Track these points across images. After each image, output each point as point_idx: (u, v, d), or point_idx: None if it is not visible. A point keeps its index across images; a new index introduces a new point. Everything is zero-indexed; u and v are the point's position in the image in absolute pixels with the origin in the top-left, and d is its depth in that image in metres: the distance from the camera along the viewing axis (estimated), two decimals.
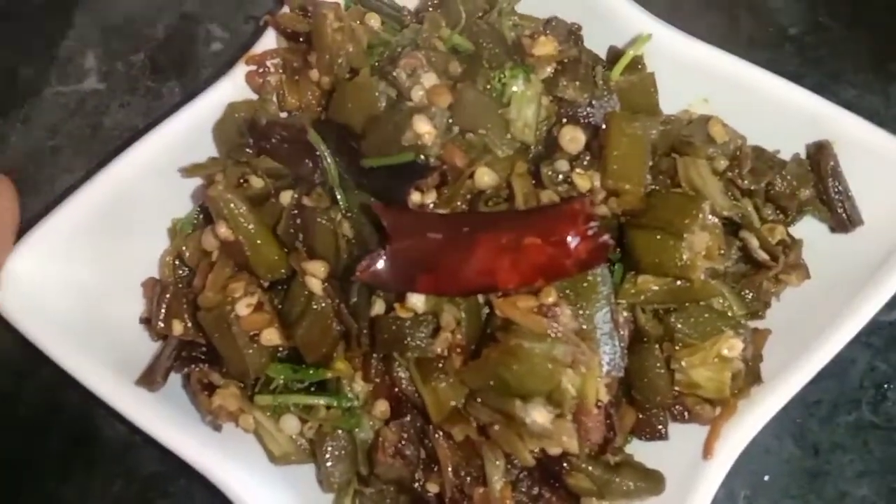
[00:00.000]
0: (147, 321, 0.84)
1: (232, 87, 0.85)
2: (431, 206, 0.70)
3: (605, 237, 0.65)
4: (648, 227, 0.71)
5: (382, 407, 0.73)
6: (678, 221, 0.69)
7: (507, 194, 0.72)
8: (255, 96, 0.86)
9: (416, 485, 0.74)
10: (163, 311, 0.78)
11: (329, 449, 0.74)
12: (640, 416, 0.75)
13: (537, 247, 0.64)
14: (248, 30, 1.04)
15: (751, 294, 0.77)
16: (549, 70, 0.78)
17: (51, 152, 1.01)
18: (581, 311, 0.67)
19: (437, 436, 0.71)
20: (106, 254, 0.84)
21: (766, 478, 0.84)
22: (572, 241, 0.64)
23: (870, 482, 0.85)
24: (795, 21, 1.00)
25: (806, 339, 0.76)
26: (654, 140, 0.77)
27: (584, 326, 0.66)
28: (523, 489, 0.72)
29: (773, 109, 0.81)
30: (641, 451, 0.75)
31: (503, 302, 0.65)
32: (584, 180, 0.71)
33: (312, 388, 0.77)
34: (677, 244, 0.69)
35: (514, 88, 0.74)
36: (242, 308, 0.73)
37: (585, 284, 0.68)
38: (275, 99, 0.85)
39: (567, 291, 0.67)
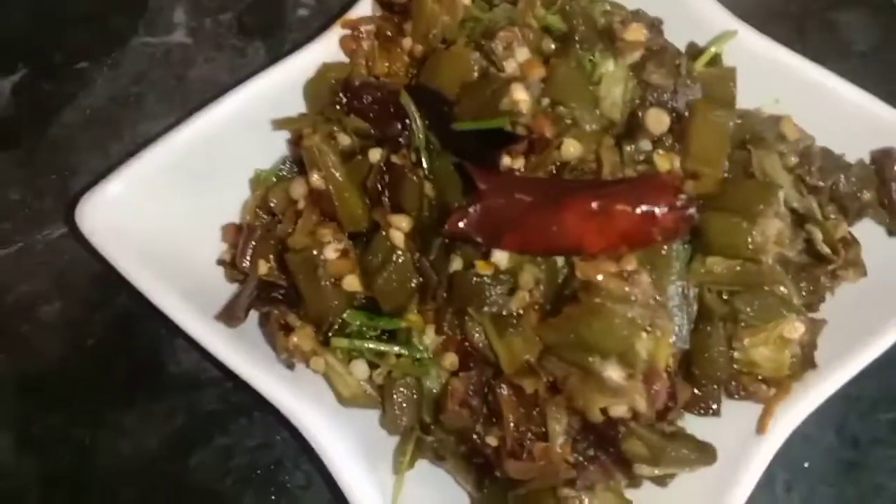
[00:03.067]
0: (224, 263, 0.88)
1: (325, 49, 0.89)
2: (518, 171, 0.74)
3: (692, 210, 0.69)
4: (724, 210, 0.74)
5: (451, 359, 0.77)
6: (753, 207, 0.73)
7: (590, 167, 0.76)
8: (345, 59, 0.90)
9: (475, 436, 0.77)
10: (249, 251, 0.81)
11: (398, 394, 0.78)
12: (696, 391, 0.78)
13: (625, 214, 0.67)
14: None
15: (809, 286, 0.80)
16: (636, 55, 0.81)
17: (135, 98, 1.05)
18: (656, 282, 0.71)
19: (501, 389, 0.75)
20: (189, 195, 0.87)
21: (806, 464, 0.87)
22: (660, 210, 0.67)
23: None
24: (863, 37, 1.04)
25: (857, 335, 0.80)
26: (731, 130, 0.81)
27: (658, 297, 0.69)
28: (579, 449, 0.75)
29: (842, 114, 0.85)
30: (692, 425, 0.79)
31: (586, 264, 0.68)
32: (664, 161, 0.75)
33: (384, 337, 0.80)
34: (750, 228, 0.72)
35: (605, 68, 0.78)
36: (330, 252, 0.77)
37: (661, 257, 0.72)
38: (364, 63, 0.89)
39: (644, 262, 0.71)
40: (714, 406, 0.78)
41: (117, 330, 0.94)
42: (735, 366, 0.76)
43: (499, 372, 0.75)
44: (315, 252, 0.77)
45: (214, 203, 0.89)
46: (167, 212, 0.86)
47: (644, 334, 0.67)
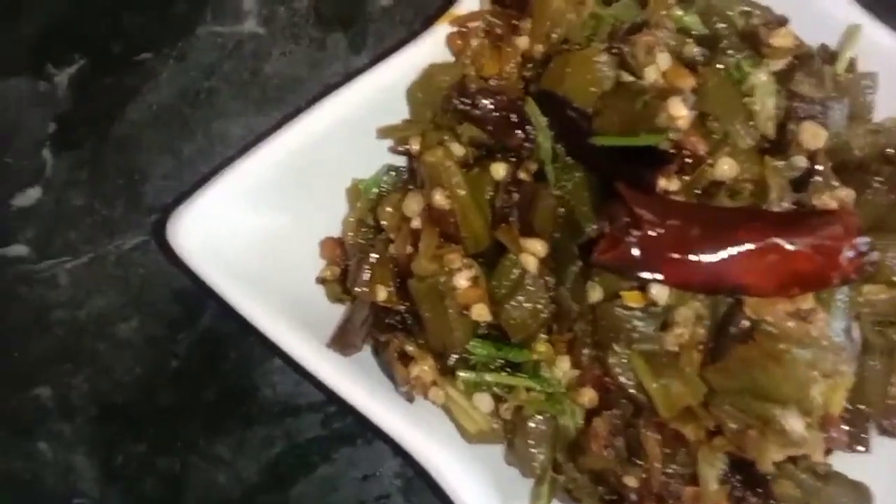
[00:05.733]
0: (325, 281, 0.82)
1: (432, 48, 0.82)
2: (674, 194, 0.68)
3: (875, 255, 0.63)
4: (885, 231, 0.69)
5: (590, 395, 0.71)
6: None
7: (744, 187, 0.70)
8: (450, 59, 0.83)
9: (613, 477, 0.72)
10: (365, 275, 0.75)
11: (531, 432, 0.72)
12: (847, 427, 0.73)
13: (804, 255, 0.61)
14: None
15: None
16: (781, 63, 0.75)
17: (206, 94, 0.97)
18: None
19: (647, 430, 0.69)
20: (284, 209, 0.81)
21: None
22: (844, 255, 0.61)
23: None
24: None
25: None
26: (864, 144, 0.75)
27: (833, 338, 0.64)
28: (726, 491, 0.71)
29: None
30: (838, 462, 0.74)
31: (759, 303, 0.63)
32: (830, 194, 0.69)
33: (507, 368, 0.75)
34: None
35: (757, 78, 0.72)
36: (461, 280, 0.71)
37: (829, 292, 0.66)
38: (471, 64, 0.82)
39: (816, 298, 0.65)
40: (865, 443, 0.73)
41: (203, 351, 0.87)
42: (889, 401, 0.72)
43: (640, 410, 0.70)
44: (443, 279, 0.71)
45: (310, 216, 0.82)
46: (262, 226, 0.80)
47: (822, 379, 0.62)
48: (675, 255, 0.64)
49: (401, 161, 0.84)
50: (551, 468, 0.74)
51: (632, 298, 0.67)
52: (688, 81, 0.70)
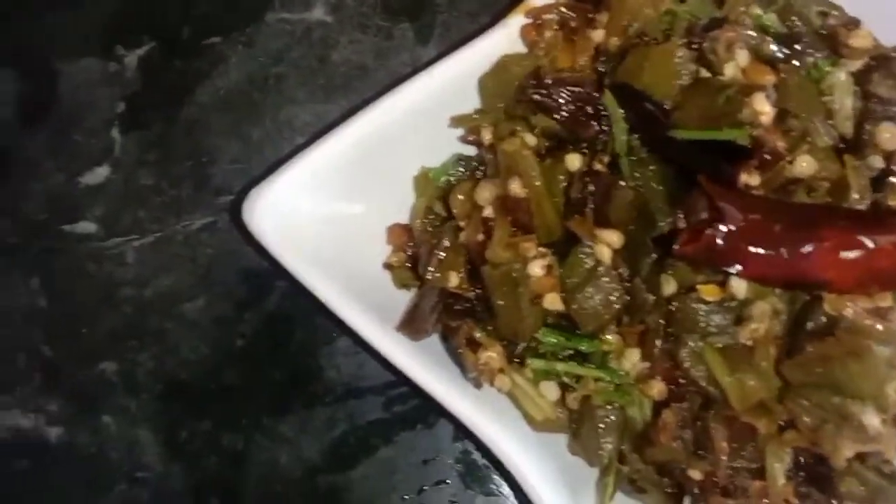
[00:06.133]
0: (391, 267, 0.83)
1: (506, 39, 0.82)
2: (755, 190, 0.68)
3: None
4: None
5: (659, 387, 0.72)
6: None
7: (822, 185, 0.70)
8: (522, 50, 0.84)
9: (678, 469, 0.73)
10: (437, 261, 0.76)
11: (599, 421, 0.73)
12: None
13: (887, 252, 0.62)
14: None
15: None
16: (859, 63, 0.75)
17: (274, 80, 0.98)
18: None
19: (715, 423, 0.70)
20: (353, 194, 0.82)
21: None
22: None
23: None
24: None
25: None
26: None
27: None
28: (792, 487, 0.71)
29: None
30: None
31: (839, 299, 0.63)
32: None
33: (576, 358, 0.75)
34: None
35: (836, 78, 0.72)
36: (536, 269, 0.71)
37: None
38: (544, 56, 0.83)
39: None
40: None
41: (269, 331, 0.89)
42: None
43: (709, 403, 0.71)
44: (518, 266, 0.72)
45: (378, 202, 0.83)
46: (332, 210, 0.81)
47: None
48: (757, 250, 0.64)
49: (469, 150, 0.85)
50: (617, 458, 0.74)
51: (708, 292, 0.68)
52: (769, 78, 0.70)
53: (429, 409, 0.83)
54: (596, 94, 0.76)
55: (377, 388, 0.86)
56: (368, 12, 1.00)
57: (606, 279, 0.72)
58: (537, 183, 0.73)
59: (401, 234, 0.83)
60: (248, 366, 0.88)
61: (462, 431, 0.75)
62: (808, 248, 0.63)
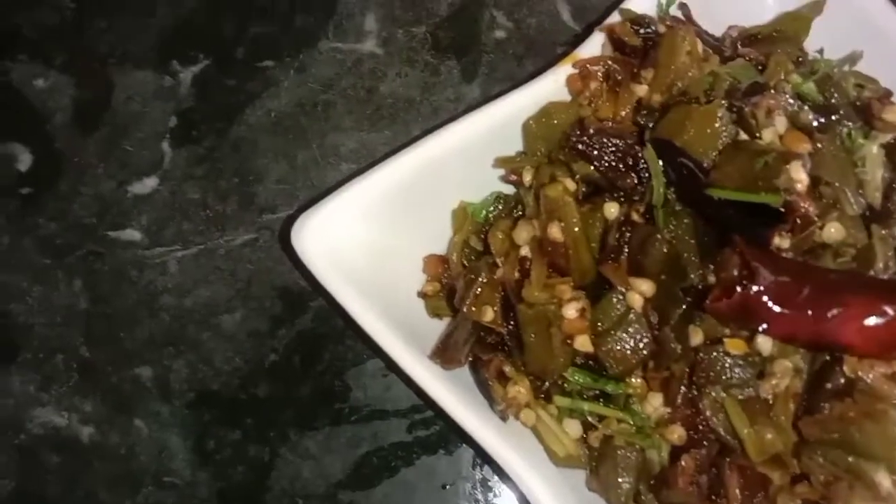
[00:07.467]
0: (426, 296, 0.86)
1: (553, 86, 0.86)
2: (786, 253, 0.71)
3: None
4: None
5: (680, 432, 0.74)
6: None
7: (849, 252, 0.73)
8: (567, 98, 0.87)
9: None
10: (474, 295, 0.79)
11: (620, 461, 0.76)
12: None
13: None
14: (532, 23, 1.04)
15: None
16: (890, 136, 0.78)
17: (323, 107, 1.02)
18: None
19: (731, 471, 0.73)
20: (396, 224, 0.85)
21: None
22: None
23: None
24: None
25: None
26: None
27: None
28: None
29: None
30: None
31: (859, 363, 0.66)
32: None
33: (600, 399, 0.78)
34: None
35: (869, 149, 0.75)
36: (571, 311, 0.74)
37: None
38: (587, 105, 0.86)
39: None
40: None
41: (301, 349, 0.92)
42: None
43: (725, 451, 0.73)
44: (553, 308, 0.75)
45: (418, 232, 0.87)
46: (375, 238, 0.84)
47: None
48: (785, 310, 0.67)
49: (508, 189, 0.88)
50: (633, 498, 0.77)
51: (734, 346, 0.70)
52: (805, 146, 0.73)
53: (450, 436, 0.86)
54: (636, 147, 0.80)
55: (402, 411, 0.89)
56: (417, 47, 1.04)
57: (636, 326, 0.75)
58: (577, 229, 0.76)
59: (437, 265, 0.87)
60: (278, 380, 0.91)
61: (482, 458, 0.78)
62: (833, 312, 0.66)
